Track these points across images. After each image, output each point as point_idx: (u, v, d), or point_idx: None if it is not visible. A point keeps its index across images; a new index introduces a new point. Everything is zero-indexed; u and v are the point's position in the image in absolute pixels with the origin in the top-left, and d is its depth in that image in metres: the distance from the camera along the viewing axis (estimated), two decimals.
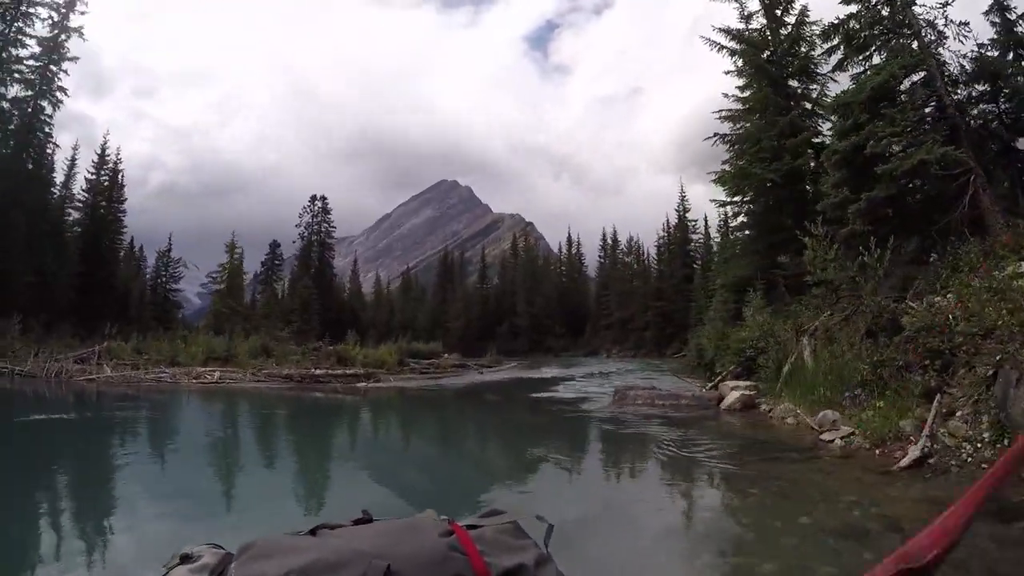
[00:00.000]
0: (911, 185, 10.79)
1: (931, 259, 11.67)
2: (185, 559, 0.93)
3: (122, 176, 40.95)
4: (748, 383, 12.06)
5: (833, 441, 7.58)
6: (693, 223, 57.95)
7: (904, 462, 6.33)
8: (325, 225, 62.59)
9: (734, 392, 11.45)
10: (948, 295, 8.64)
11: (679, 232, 58.03)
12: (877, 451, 6.93)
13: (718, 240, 50.64)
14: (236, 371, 20.71)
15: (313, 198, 62.68)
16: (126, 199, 41.35)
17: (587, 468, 7.76)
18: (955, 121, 11.48)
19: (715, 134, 19.47)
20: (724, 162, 19.15)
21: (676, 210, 58.65)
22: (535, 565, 0.94)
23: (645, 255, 63.21)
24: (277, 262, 60.49)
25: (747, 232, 17.65)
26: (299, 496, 6.83)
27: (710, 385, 13.93)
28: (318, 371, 20.70)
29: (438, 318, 69.92)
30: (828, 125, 18.38)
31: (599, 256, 68.95)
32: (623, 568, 4.27)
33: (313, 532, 0.99)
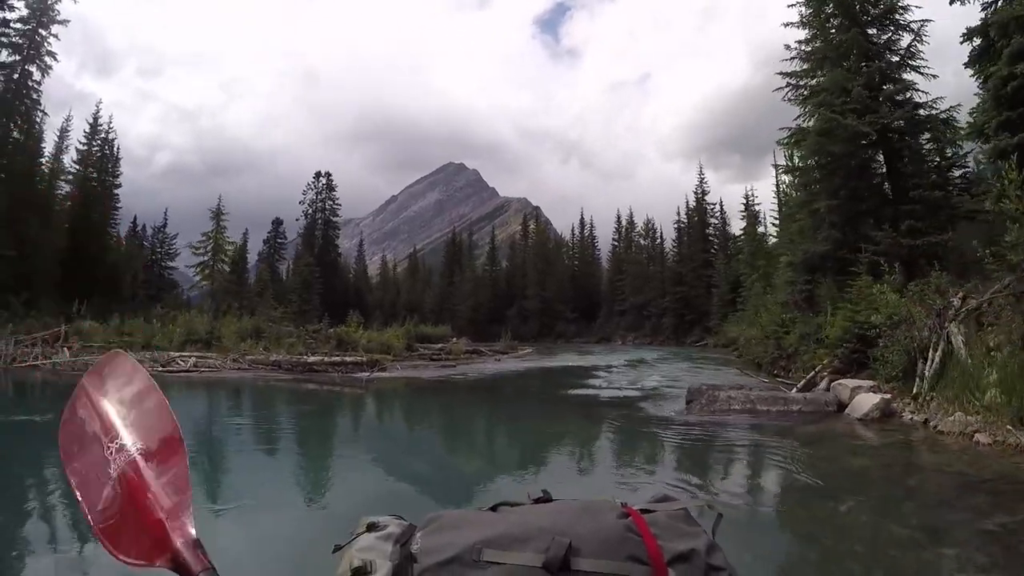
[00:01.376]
0: None
1: None
2: (371, 527, 0.95)
3: (117, 148, 38.69)
4: (870, 383, 9.27)
5: None
6: (712, 207, 55.09)
7: None
8: (330, 203, 59.98)
9: (861, 394, 8.67)
10: None
11: (697, 215, 55.10)
12: None
13: (743, 227, 48.10)
14: (216, 357, 17.87)
15: (318, 174, 60.03)
16: (121, 173, 39.25)
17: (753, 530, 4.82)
18: None
19: (786, 84, 16.43)
20: (796, 118, 16.20)
21: (694, 192, 55.75)
22: (706, 551, 0.91)
23: (661, 239, 60.05)
24: (280, 240, 57.93)
25: (824, 202, 14.62)
26: None
27: (801, 384, 11.15)
28: (312, 359, 17.76)
29: (446, 301, 67.59)
30: (921, 79, 15.59)
31: (613, 239, 65.85)
32: None
33: (494, 508, 1.00)
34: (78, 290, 25.89)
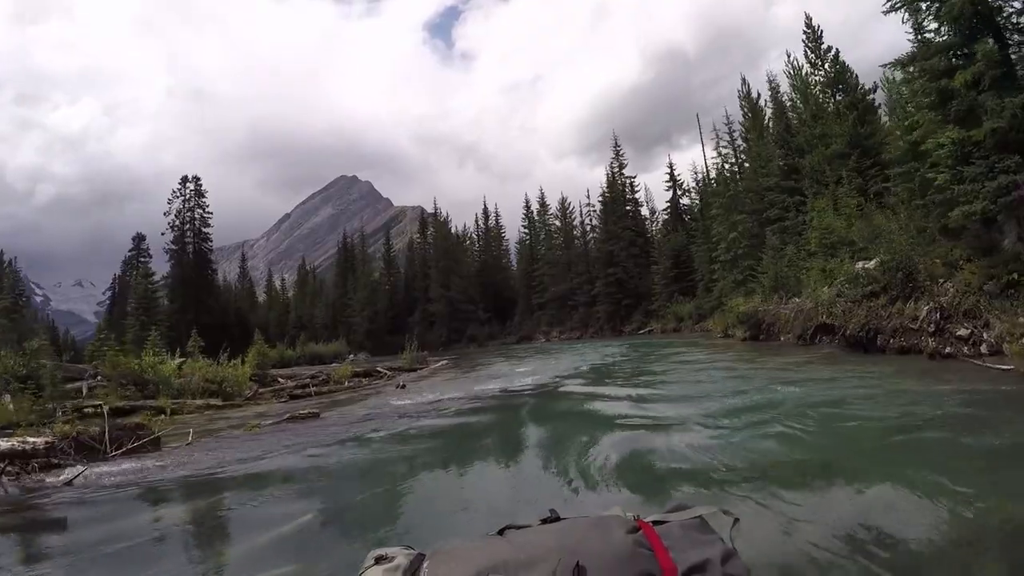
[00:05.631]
0: None
1: None
2: (380, 560, 0.91)
3: None
4: None
5: None
6: (631, 179, 47.26)
7: None
8: (199, 211, 48.07)
9: None
10: None
11: (614, 191, 47.07)
12: None
13: (668, 201, 41.54)
14: None
15: (184, 179, 48.26)
16: None
17: None
18: None
19: None
20: None
21: (609, 167, 47.69)
22: (721, 560, 0.86)
23: (581, 218, 51.45)
24: (143, 260, 47.85)
25: None
26: None
27: None
28: None
29: (340, 314, 56.76)
30: None
31: (522, 226, 56.76)
32: None
33: (501, 532, 0.94)
34: None
